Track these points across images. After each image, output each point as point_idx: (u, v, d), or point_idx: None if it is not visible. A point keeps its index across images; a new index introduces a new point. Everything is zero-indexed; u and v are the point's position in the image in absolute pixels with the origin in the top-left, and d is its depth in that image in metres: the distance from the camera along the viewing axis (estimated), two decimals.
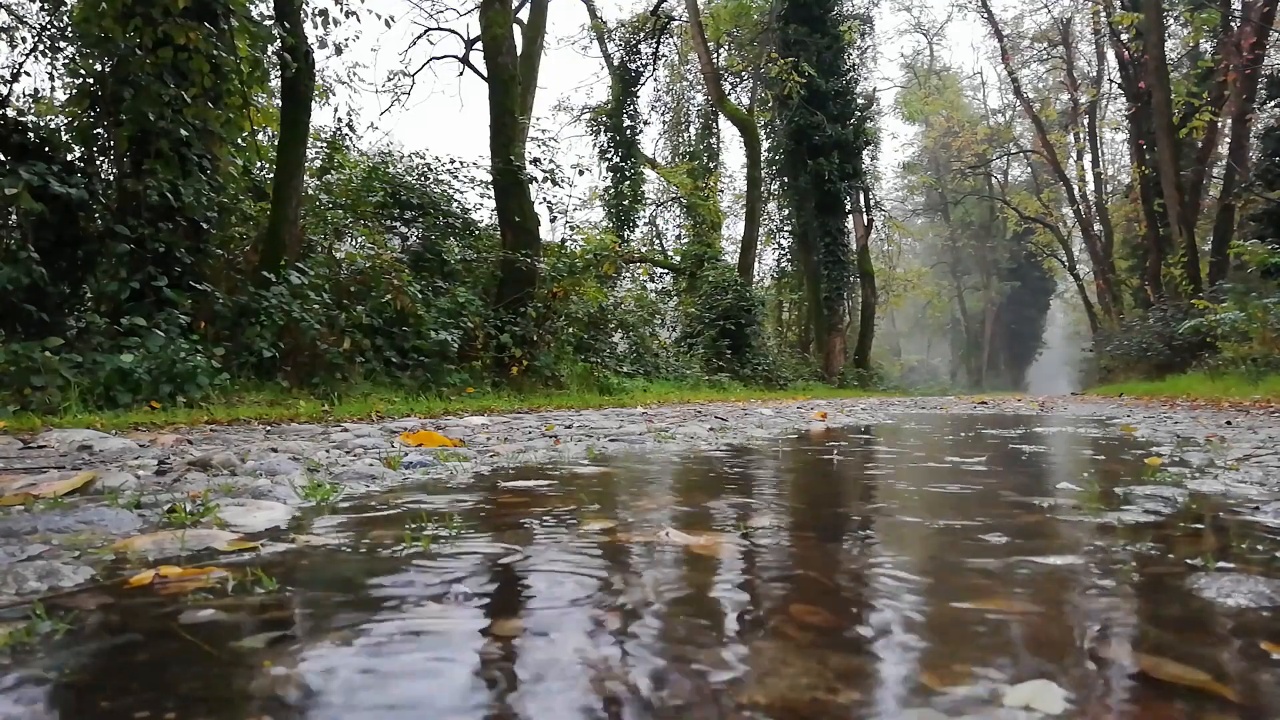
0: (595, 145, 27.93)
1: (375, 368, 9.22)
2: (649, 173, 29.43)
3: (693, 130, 31.05)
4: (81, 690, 0.82)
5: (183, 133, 7.77)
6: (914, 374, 55.59)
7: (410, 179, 13.61)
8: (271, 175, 10.07)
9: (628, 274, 23.63)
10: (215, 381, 6.74)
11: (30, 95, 8.84)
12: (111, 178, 8.01)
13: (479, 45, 17.36)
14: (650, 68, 29.29)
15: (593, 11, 28.53)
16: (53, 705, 0.79)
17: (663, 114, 31.69)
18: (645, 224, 29.90)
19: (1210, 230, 23.34)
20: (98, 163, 8.06)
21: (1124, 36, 25.67)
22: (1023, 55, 35.97)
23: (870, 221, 31.47)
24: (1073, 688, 0.81)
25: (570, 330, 13.63)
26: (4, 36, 8.87)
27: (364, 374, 8.96)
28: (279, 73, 9.33)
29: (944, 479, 2.62)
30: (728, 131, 32.05)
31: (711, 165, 29.80)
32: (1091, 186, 36.14)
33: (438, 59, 29.30)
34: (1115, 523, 1.75)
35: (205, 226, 8.12)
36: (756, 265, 28.56)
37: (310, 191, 11.60)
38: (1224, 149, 24.04)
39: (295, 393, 7.74)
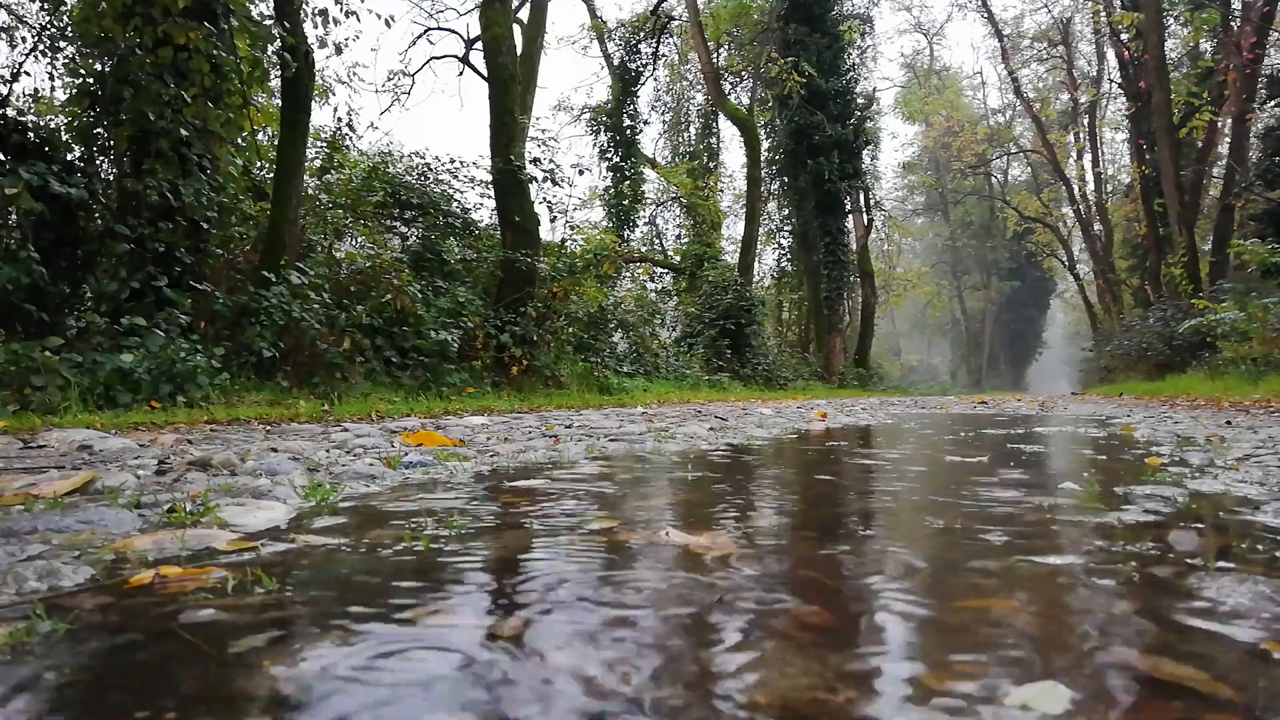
0: (595, 145, 27.97)
1: (375, 368, 9.22)
2: (649, 172, 29.42)
3: (693, 130, 31.06)
4: (82, 690, 0.82)
5: (183, 132, 7.77)
6: (914, 374, 55.58)
7: (410, 179, 13.62)
8: (271, 175, 10.07)
9: (628, 274, 23.63)
10: (215, 381, 6.74)
11: (30, 95, 8.85)
12: (111, 178, 8.01)
13: (479, 45, 17.37)
14: (650, 68, 29.31)
15: (593, 11, 28.55)
16: (53, 705, 0.79)
17: (663, 114, 31.73)
18: (645, 224, 29.92)
19: (1210, 230, 23.33)
20: (98, 163, 8.06)
21: (1124, 36, 25.66)
22: (1023, 55, 35.99)
23: (870, 221, 31.46)
24: (1072, 687, 0.81)
25: (570, 330, 13.63)
26: (4, 36, 8.88)
27: (364, 374, 8.96)
28: (279, 73, 9.34)
29: (944, 478, 2.62)
30: (728, 131, 32.09)
31: (711, 165, 29.79)
32: (1091, 186, 36.18)
33: (438, 59, 29.47)
34: (1115, 522, 1.75)
35: (205, 226, 8.12)
36: (756, 265, 28.57)
37: (310, 191, 11.60)
38: (1224, 149, 24.03)
39: (295, 393, 7.74)
